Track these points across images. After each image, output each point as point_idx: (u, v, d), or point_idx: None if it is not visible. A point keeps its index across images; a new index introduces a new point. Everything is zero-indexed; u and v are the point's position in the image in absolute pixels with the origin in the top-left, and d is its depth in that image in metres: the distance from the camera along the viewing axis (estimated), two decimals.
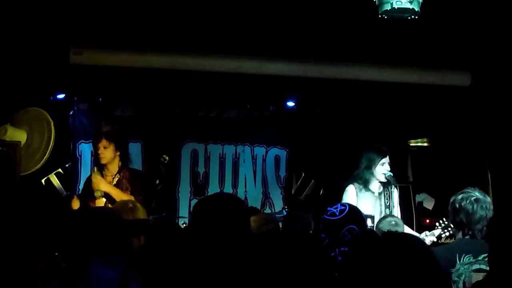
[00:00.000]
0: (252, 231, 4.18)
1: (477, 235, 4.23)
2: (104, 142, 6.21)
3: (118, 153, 6.26)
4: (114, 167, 6.26)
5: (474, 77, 8.31)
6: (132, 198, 5.92)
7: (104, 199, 6.12)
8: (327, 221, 3.83)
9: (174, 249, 3.34)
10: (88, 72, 7.56)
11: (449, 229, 6.00)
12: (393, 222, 5.37)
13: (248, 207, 3.30)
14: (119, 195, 6.01)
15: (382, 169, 6.35)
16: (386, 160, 6.37)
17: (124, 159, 6.32)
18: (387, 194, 6.33)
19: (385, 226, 5.29)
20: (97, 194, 6.16)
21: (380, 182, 6.39)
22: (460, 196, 4.29)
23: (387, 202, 6.28)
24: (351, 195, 6.38)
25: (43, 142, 6.42)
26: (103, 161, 6.22)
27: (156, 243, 3.40)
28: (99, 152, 6.23)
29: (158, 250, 3.36)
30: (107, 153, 6.21)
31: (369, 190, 6.43)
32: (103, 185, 6.10)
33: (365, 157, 6.43)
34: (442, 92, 8.44)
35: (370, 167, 6.38)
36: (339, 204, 3.95)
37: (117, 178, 6.22)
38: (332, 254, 3.68)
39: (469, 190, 4.31)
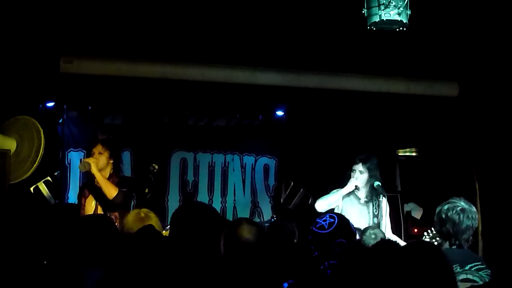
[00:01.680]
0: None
1: (464, 244, 4.27)
2: (99, 148, 6.28)
3: (112, 161, 6.31)
4: (105, 174, 6.28)
5: (462, 87, 8.37)
6: (116, 189, 6.02)
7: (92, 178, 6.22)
8: (316, 234, 3.83)
9: (155, 258, 3.36)
10: (78, 81, 7.55)
11: (437, 238, 6.03)
12: (373, 236, 5.38)
13: (219, 216, 3.36)
14: (104, 183, 6.07)
15: (353, 175, 6.44)
16: (356, 167, 6.43)
17: (116, 168, 6.36)
18: (375, 203, 6.36)
19: (366, 239, 5.32)
20: (82, 166, 6.22)
21: (355, 187, 6.46)
22: (446, 207, 4.33)
23: (376, 212, 6.31)
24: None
25: (32, 151, 6.41)
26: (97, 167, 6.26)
27: (139, 253, 3.40)
28: (94, 156, 6.27)
29: (141, 259, 3.37)
30: (101, 159, 6.26)
31: (355, 195, 6.47)
32: (94, 167, 6.13)
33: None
34: (430, 102, 8.49)
35: (348, 174, 6.49)
36: (327, 216, 3.95)
37: None
38: (322, 267, 3.69)
39: (455, 200, 4.35)
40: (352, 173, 6.46)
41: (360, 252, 3.71)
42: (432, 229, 6.14)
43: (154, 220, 4.44)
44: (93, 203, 6.24)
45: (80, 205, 6.33)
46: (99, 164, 6.25)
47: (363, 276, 2.34)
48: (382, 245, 3.96)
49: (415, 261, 2.44)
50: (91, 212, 6.18)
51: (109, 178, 6.26)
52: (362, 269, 2.36)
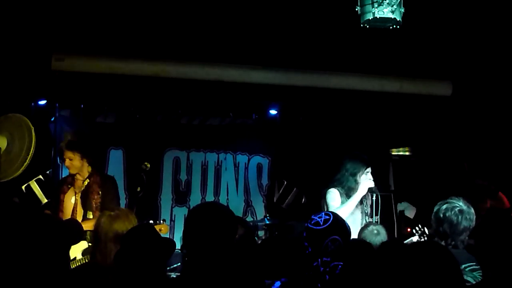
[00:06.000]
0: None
1: (459, 245, 4.24)
2: (68, 154, 6.20)
3: (85, 160, 6.23)
4: (84, 173, 6.24)
5: (455, 86, 8.37)
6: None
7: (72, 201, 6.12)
8: (310, 230, 3.83)
9: (152, 256, 3.34)
10: (70, 79, 7.52)
11: (425, 235, 6.02)
12: (375, 231, 5.33)
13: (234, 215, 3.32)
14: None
15: (366, 178, 6.34)
16: (369, 169, 6.38)
17: (94, 164, 6.30)
18: (366, 202, 6.33)
19: (367, 236, 5.27)
20: None
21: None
22: (444, 206, 4.28)
23: (367, 210, 6.28)
24: (336, 197, 6.33)
25: (23, 149, 6.35)
26: (72, 171, 6.23)
27: (134, 250, 3.37)
28: (66, 164, 6.23)
29: (137, 257, 3.34)
30: (74, 163, 6.19)
31: (350, 197, 6.42)
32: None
33: (349, 165, 6.38)
34: (423, 102, 8.49)
35: (355, 174, 6.35)
36: (323, 213, 3.94)
37: (87, 182, 6.20)
38: (315, 264, 3.68)
39: (453, 201, 4.30)
40: (365, 176, 6.34)
41: (364, 250, 3.69)
42: (420, 226, 6.11)
43: (122, 218, 4.23)
44: (72, 199, 6.19)
45: (59, 201, 6.26)
46: (75, 168, 6.19)
47: (372, 275, 2.32)
48: (390, 245, 3.93)
49: (424, 261, 2.42)
50: (70, 209, 6.12)
51: (89, 176, 6.21)
52: (371, 268, 2.34)
